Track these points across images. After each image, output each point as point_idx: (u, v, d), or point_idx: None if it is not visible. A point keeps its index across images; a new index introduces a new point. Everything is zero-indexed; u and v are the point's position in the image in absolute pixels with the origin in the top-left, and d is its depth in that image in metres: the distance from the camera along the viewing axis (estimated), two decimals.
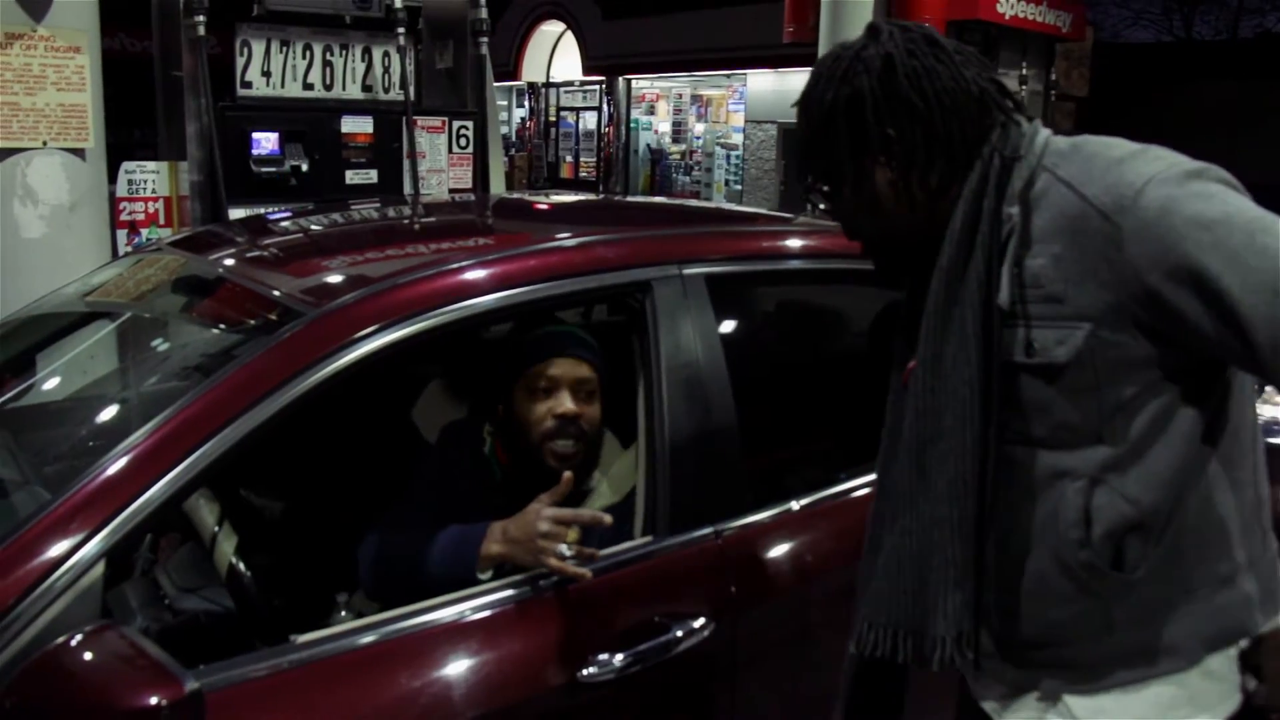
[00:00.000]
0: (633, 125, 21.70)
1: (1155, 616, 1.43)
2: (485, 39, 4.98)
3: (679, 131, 21.35)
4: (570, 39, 22.05)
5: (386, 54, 4.79)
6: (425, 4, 5.25)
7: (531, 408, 2.16)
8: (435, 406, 2.67)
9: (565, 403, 2.13)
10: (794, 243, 2.51)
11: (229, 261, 2.37)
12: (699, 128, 20.92)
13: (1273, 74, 22.46)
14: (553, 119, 22.79)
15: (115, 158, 4.29)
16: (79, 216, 4.04)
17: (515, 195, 4.45)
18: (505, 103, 23.99)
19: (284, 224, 2.98)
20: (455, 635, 1.75)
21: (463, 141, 4.94)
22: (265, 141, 4.36)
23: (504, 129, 23.70)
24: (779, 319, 2.69)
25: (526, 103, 23.35)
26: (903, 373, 1.57)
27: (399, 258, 2.14)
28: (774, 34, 10.24)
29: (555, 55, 22.80)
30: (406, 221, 2.94)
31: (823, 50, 7.07)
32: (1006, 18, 7.21)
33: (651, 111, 21.66)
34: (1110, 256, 1.32)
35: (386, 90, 4.83)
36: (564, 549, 1.81)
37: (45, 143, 3.96)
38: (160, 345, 2.39)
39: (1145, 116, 21.69)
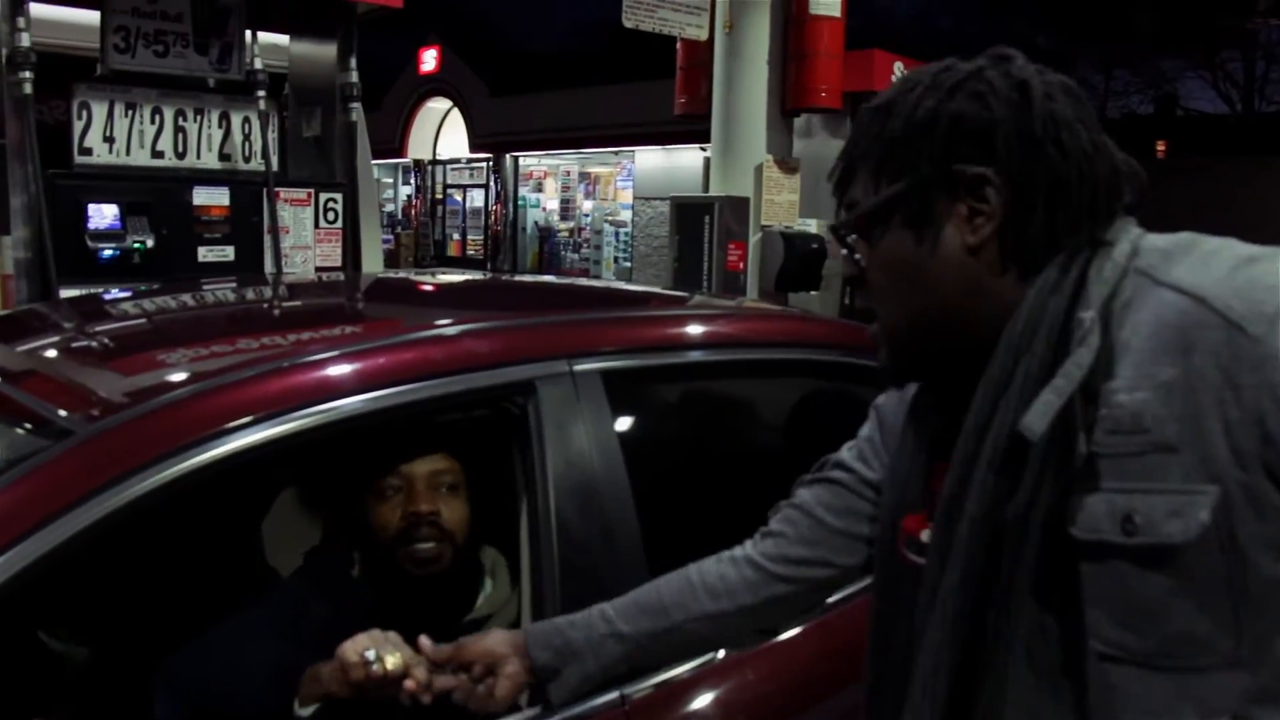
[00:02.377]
0: (520, 203, 21.52)
1: None
2: (356, 104, 4.58)
3: (567, 208, 21.21)
4: (457, 116, 22.07)
5: (247, 120, 4.35)
6: (291, 67, 4.87)
7: (381, 512, 1.82)
8: (287, 520, 2.27)
9: (417, 500, 1.79)
10: (700, 329, 2.15)
11: (23, 353, 1.93)
12: (587, 205, 20.84)
13: (1138, 153, 23.19)
14: (439, 196, 22.51)
15: None
16: None
17: (382, 274, 4.01)
18: (391, 180, 23.75)
19: (118, 306, 2.53)
20: None
21: (331, 215, 4.51)
22: (103, 214, 3.87)
23: (389, 206, 23.30)
24: (687, 417, 2.31)
25: (413, 180, 23.07)
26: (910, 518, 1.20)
27: (220, 355, 1.71)
28: (661, 110, 10.11)
29: (442, 132, 22.76)
30: (252, 305, 2.50)
31: (716, 124, 6.96)
32: None
33: (539, 189, 21.52)
34: (1242, 382, 0.94)
35: (247, 159, 4.39)
36: (370, 654, 1.51)
37: None
38: None
39: None
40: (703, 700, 1.72)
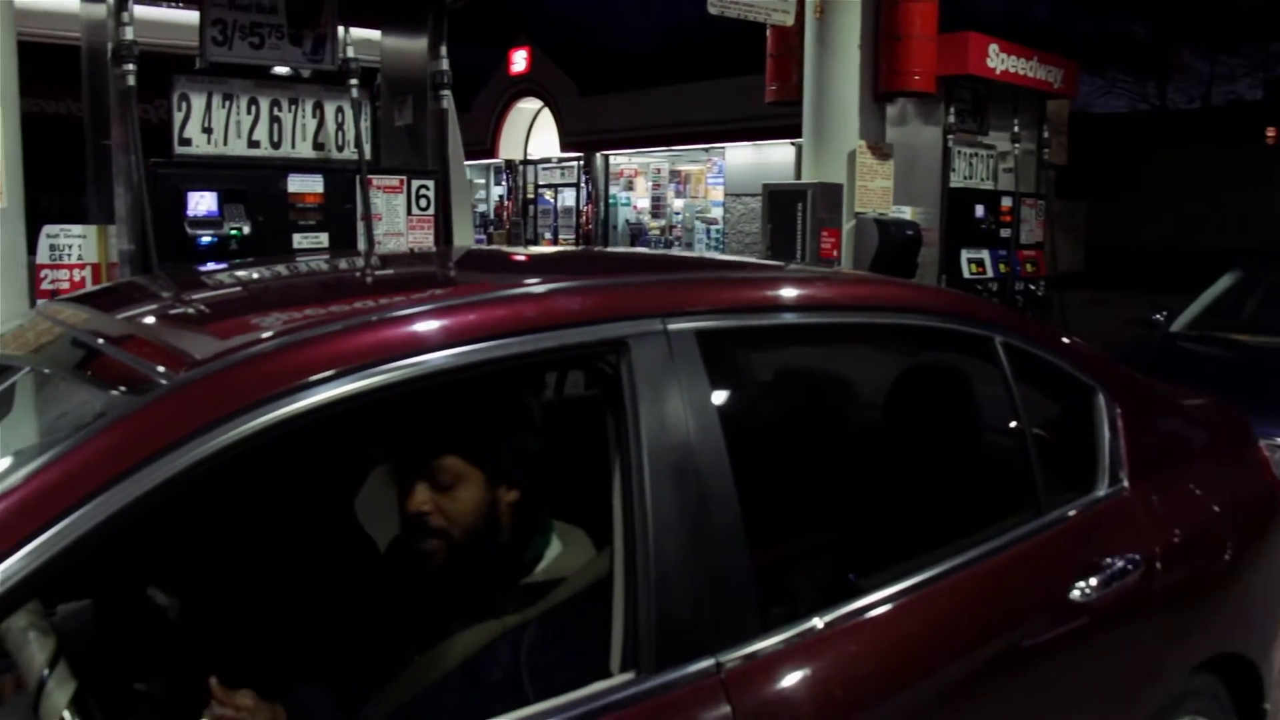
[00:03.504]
0: (611, 201, 21.59)
1: None
2: (446, 92, 4.60)
3: (658, 206, 21.21)
4: (547, 116, 22.20)
5: (340, 109, 4.39)
6: (383, 58, 4.91)
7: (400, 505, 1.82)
8: (379, 497, 2.25)
9: (413, 498, 1.77)
10: (799, 291, 2.07)
11: (125, 316, 1.94)
12: (678, 203, 20.82)
13: (1246, 140, 22.52)
14: (531, 196, 22.67)
15: (38, 224, 3.88)
16: None
17: (474, 247, 4.00)
18: (483, 180, 23.99)
19: (217, 276, 2.56)
20: None
21: (423, 202, 4.54)
22: (201, 202, 3.93)
23: (481, 207, 23.52)
24: (788, 385, 2.25)
25: (505, 180, 23.27)
26: None
27: (311, 316, 1.70)
28: (751, 106, 10.03)
29: (533, 132, 22.92)
30: (345, 273, 2.49)
31: (808, 110, 6.85)
32: (997, 73, 6.87)
33: (630, 187, 21.57)
34: None
35: (340, 148, 4.42)
36: None
37: None
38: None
39: (1123, 183, 21.77)
40: (801, 669, 1.66)
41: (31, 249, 3.87)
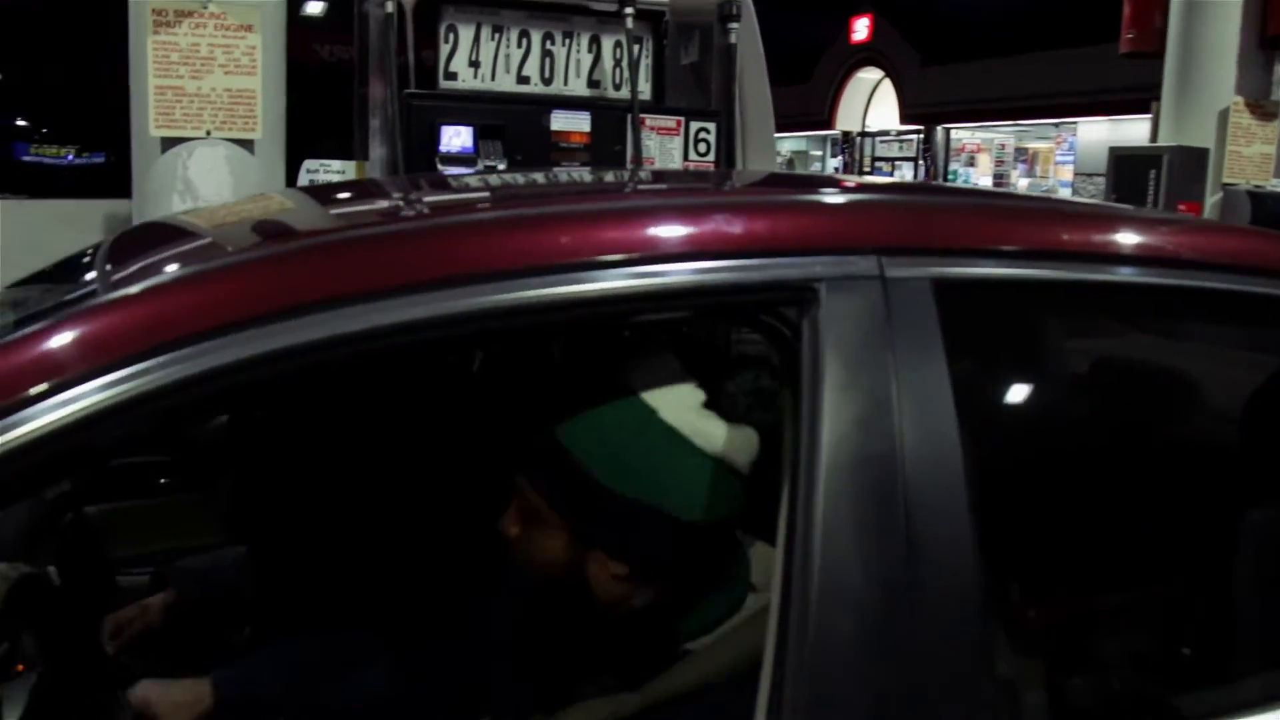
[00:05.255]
0: (951, 177, 20.70)
1: None
2: (735, 24, 4.11)
3: (1000, 185, 20.09)
4: (887, 86, 21.64)
5: (619, 44, 4.01)
6: None
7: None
8: None
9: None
10: (1114, 235, 1.38)
11: (340, 206, 1.64)
12: (1023, 182, 19.67)
13: None
14: (867, 169, 22.12)
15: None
16: None
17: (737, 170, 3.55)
18: (820, 152, 23.79)
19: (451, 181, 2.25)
20: None
21: (701, 146, 4.09)
22: (455, 137, 3.68)
23: None
24: (1089, 380, 1.56)
25: (841, 153, 22.91)
26: None
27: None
28: (1108, 78, 8.95)
29: (871, 103, 22.43)
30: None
31: (1171, 59, 5.86)
32: None
33: (971, 163, 20.65)
34: None
35: (618, 86, 4.06)
36: None
37: (209, 132, 3.51)
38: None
39: None
40: None
41: (292, 183, 3.78)
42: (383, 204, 1.71)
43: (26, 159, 5.31)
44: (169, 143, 3.45)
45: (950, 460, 1.07)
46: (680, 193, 1.25)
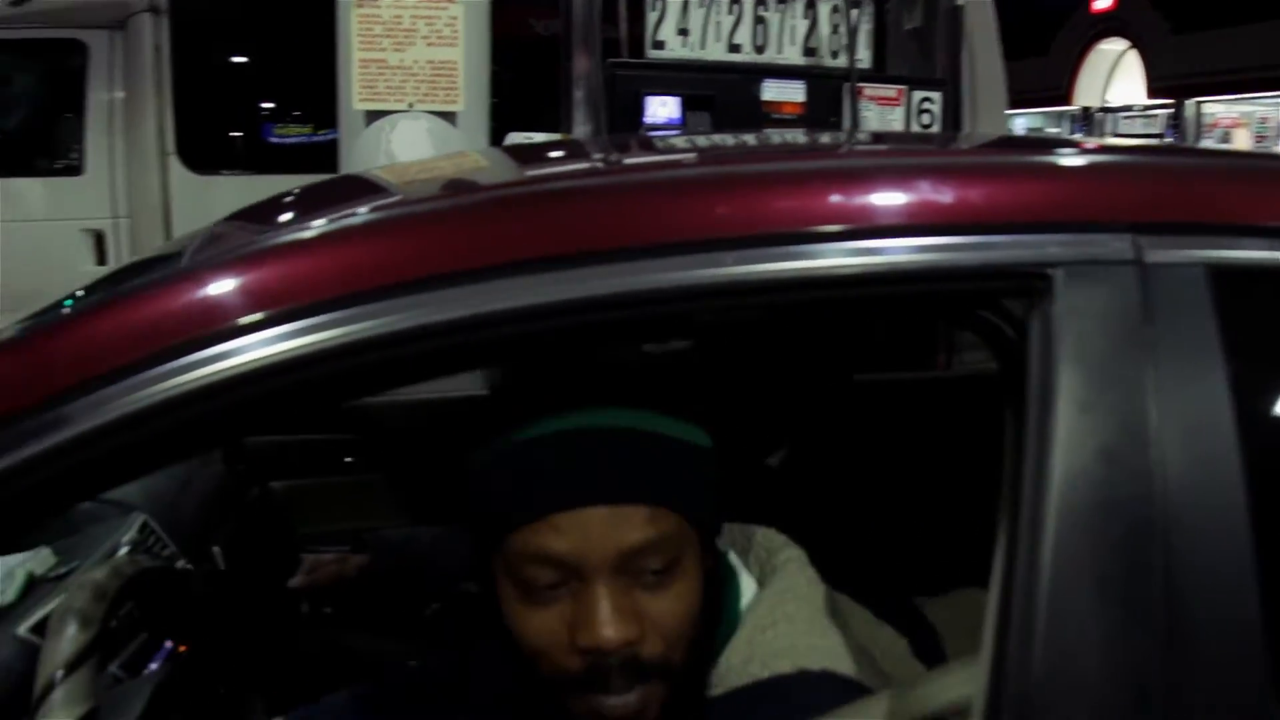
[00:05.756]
0: None
1: None
2: None
3: None
4: (1132, 58, 20.55)
5: (836, 8, 3.77)
6: None
7: (528, 619, 1.03)
8: None
9: (597, 621, 0.98)
10: None
11: (528, 168, 1.53)
12: None
13: None
14: None
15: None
16: None
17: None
18: (1057, 130, 22.85)
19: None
20: None
21: (925, 118, 3.81)
22: (661, 108, 3.53)
23: None
24: None
25: (1079, 130, 21.90)
26: None
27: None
28: None
29: (1114, 76, 21.33)
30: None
31: None
32: None
33: (1226, 139, 19.29)
34: None
35: (835, 54, 3.82)
36: None
37: (411, 104, 3.51)
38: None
39: None
40: None
41: None
42: (574, 164, 1.58)
43: (272, 140, 5.74)
44: (373, 116, 3.45)
45: (1231, 509, 0.80)
46: (868, 154, 1.02)
